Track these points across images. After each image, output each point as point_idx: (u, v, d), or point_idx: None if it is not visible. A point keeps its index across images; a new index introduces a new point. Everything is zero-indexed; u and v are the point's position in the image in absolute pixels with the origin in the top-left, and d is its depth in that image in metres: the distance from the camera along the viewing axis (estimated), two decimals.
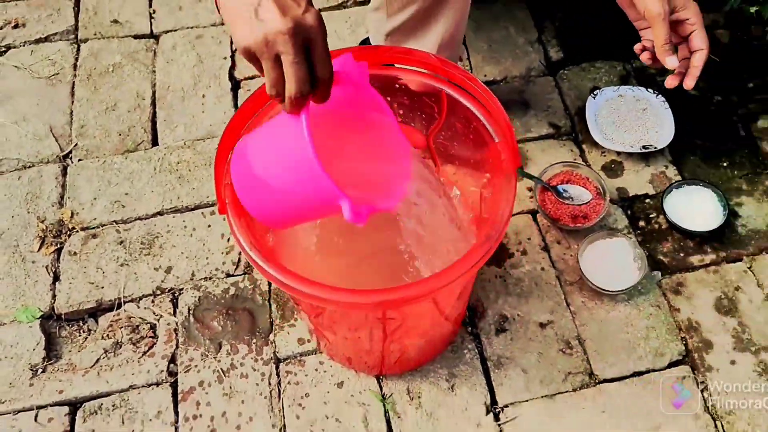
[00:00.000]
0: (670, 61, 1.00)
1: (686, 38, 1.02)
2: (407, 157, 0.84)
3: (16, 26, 1.56)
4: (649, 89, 1.32)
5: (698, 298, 1.15)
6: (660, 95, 1.31)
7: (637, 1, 1.00)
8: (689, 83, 1.02)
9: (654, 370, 1.09)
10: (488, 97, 0.89)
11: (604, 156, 1.30)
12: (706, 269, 1.17)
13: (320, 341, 1.10)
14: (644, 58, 1.04)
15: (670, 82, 1.05)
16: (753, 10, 1.16)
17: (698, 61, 1.01)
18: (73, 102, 1.44)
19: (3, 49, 1.52)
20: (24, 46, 1.53)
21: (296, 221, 0.82)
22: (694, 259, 1.19)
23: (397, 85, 0.96)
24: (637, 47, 1.05)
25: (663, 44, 0.99)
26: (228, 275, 1.21)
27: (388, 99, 0.88)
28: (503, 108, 0.87)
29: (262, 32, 0.64)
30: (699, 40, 1.01)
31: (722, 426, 1.03)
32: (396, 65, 0.94)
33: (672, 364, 1.09)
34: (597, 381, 1.08)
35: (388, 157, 0.84)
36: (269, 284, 1.19)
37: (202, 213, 1.28)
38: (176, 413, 1.09)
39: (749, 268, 1.17)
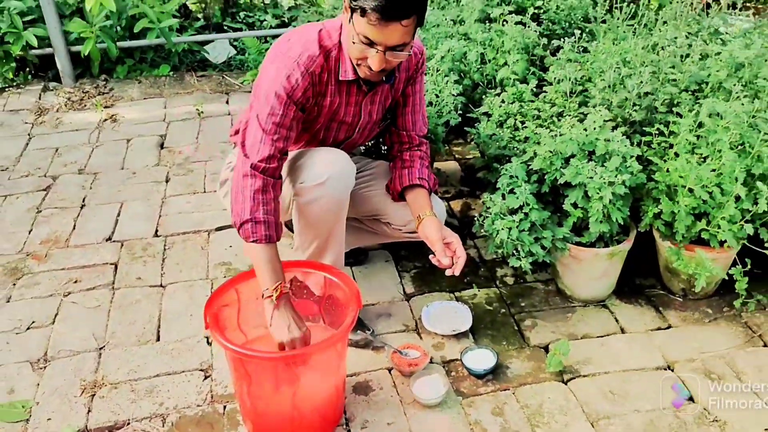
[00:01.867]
0: (445, 261, 1.94)
1: (454, 252, 1.98)
2: None
3: (75, 282, 2.48)
4: (459, 302, 2.25)
5: (482, 408, 1.92)
6: (466, 305, 2.23)
7: (427, 236, 1.98)
8: (456, 272, 1.94)
9: None
10: (346, 279, 1.81)
11: (434, 338, 2.16)
12: (487, 394, 1.97)
13: (250, 421, 1.83)
14: (434, 261, 1.98)
15: (448, 272, 1.96)
16: (517, 263, 2.12)
17: (460, 262, 1.95)
18: (108, 320, 2.29)
19: (66, 293, 2.42)
20: (79, 292, 2.43)
21: None
22: (481, 390, 1.98)
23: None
24: (430, 256, 1.99)
25: (440, 253, 1.94)
26: (198, 406, 1.96)
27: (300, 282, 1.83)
28: (357, 286, 1.78)
29: (290, 337, 1.65)
30: (459, 252, 1.96)
31: None
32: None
33: None
34: None
35: None
36: (224, 408, 1.94)
37: (185, 374, 2.07)
38: None
39: (513, 393, 1.97)
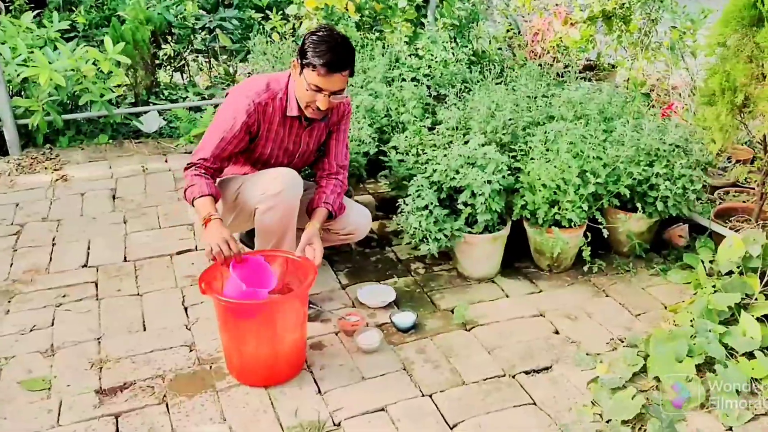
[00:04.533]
0: (298, 253, 2.58)
1: (314, 249, 2.63)
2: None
3: (64, 296, 2.96)
4: (383, 283, 2.91)
5: (409, 350, 2.57)
6: (389, 286, 2.90)
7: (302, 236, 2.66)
8: (317, 262, 2.57)
9: (390, 373, 2.45)
10: (303, 259, 2.46)
11: (367, 311, 2.81)
12: (412, 342, 2.62)
13: (236, 370, 2.39)
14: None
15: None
16: (426, 248, 2.82)
17: (318, 255, 2.58)
18: (99, 320, 2.79)
19: (59, 304, 2.89)
20: (69, 303, 2.91)
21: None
22: (407, 340, 2.64)
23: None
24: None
25: (300, 248, 2.57)
26: (189, 368, 2.50)
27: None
28: (315, 266, 2.43)
29: (215, 241, 2.30)
30: (318, 250, 2.59)
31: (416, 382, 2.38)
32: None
33: (396, 371, 2.46)
34: (364, 379, 2.42)
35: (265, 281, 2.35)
36: (210, 366, 2.49)
37: (174, 349, 2.60)
38: (168, 412, 2.28)
39: (431, 339, 2.63)
